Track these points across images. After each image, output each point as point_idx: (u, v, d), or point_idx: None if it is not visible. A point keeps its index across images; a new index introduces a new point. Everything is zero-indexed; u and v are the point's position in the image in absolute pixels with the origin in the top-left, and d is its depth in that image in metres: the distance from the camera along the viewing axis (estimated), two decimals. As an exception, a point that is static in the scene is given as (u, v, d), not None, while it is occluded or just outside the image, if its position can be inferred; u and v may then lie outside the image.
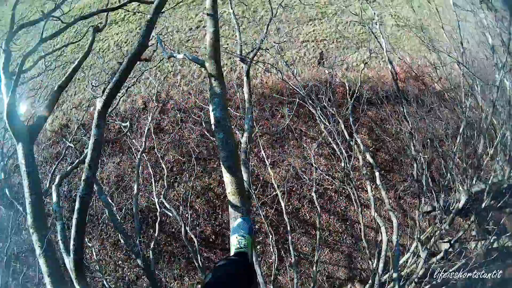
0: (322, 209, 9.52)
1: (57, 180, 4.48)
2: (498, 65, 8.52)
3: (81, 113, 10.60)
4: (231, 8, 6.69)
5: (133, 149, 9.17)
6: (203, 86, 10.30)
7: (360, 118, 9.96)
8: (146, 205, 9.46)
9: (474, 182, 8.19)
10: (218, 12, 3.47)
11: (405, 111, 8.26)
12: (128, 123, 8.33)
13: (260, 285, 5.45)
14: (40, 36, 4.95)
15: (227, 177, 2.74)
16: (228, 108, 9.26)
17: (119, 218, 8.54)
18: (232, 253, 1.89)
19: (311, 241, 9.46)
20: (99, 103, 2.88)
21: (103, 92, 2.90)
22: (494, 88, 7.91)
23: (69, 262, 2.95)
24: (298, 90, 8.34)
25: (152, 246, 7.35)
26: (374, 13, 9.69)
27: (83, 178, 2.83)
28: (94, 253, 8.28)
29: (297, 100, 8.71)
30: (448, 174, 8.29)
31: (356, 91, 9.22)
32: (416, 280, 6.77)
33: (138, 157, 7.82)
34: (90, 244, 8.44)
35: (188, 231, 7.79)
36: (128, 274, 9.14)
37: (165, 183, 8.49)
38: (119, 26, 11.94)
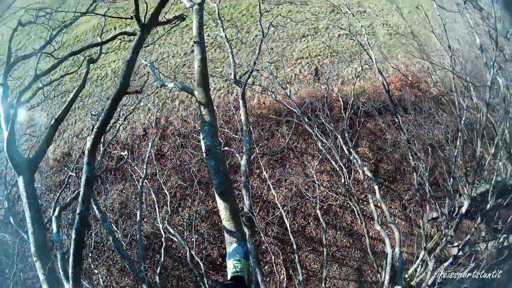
0: (328, 225, 9.47)
1: (56, 211, 4.53)
2: (488, 64, 8.51)
3: (82, 142, 10.71)
4: (223, 31, 6.74)
5: (135, 176, 9.22)
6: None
7: (359, 130, 9.98)
8: (151, 231, 9.46)
9: (477, 184, 8.12)
10: (204, 39, 3.53)
11: (400, 121, 8.24)
12: (126, 152, 8.40)
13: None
14: (34, 71, 4.96)
15: (220, 204, 2.83)
16: (227, 130, 9.32)
17: (124, 245, 8.55)
18: (229, 277, 1.98)
19: (319, 258, 9.38)
20: (88, 142, 3.02)
21: (91, 131, 3.04)
22: (486, 88, 7.89)
23: (68, 288, 3.07)
24: (293, 109, 8.40)
25: (158, 271, 7.32)
26: (361, 26, 9.78)
27: (77, 212, 2.97)
28: (101, 280, 8.28)
29: (294, 119, 8.75)
30: (451, 179, 8.25)
31: (353, 104, 9.28)
32: (426, 288, 6.69)
33: (140, 184, 7.85)
34: (96, 271, 8.43)
35: (194, 255, 7.76)
36: (136, 299, 9.11)
37: (169, 209, 8.49)
38: (116, 53, 12.15)
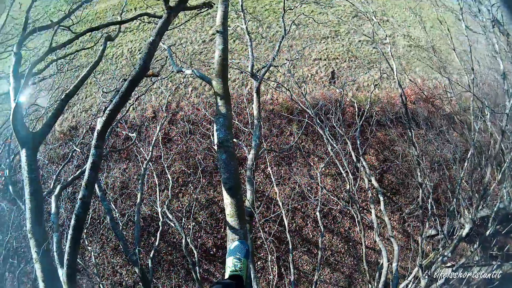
0: (326, 229, 9.44)
1: (57, 190, 4.43)
2: (509, 92, 8.43)
3: (90, 117, 10.69)
4: (245, 24, 6.65)
5: (139, 157, 9.22)
6: (213, 99, 10.36)
7: (369, 139, 9.92)
8: (149, 214, 9.47)
9: (480, 208, 8.08)
10: (228, 30, 3.42)
11: (412, 136, 8.19)
12: (135, 134, 8.37)
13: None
14: (49, 43, 4.87)
15: (227, 199, 2.73)
16: (237, 123, 9.26)
17: (121, 224, 8.56)
18: (227, 275, 1.92)
19: (312, 260, 9.37)
20: (99, 124, 2.81)
21: (103, 112, 2.83)
22: (504, 116, 7.82)
23: (62, 274, 2.95)
24: (307, 109, 8.34)
25: (152, 254, 7.32)
26: (385, 35, 9.68)
27: (79, 196, 2.80)
28: (93, 256, 8.28)
29: (306, 119, 8.70)
30: (454, 199, 8.20)
31: (366, 112, 9.20)
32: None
33: (144, 166, 7.84)
34: (90, 248, 8.45)
35: (189, 242, 7.77)
36: (126, 279, 9.14)
37: (170, 193, 8.50)
38: (133, 33, 12.11)
